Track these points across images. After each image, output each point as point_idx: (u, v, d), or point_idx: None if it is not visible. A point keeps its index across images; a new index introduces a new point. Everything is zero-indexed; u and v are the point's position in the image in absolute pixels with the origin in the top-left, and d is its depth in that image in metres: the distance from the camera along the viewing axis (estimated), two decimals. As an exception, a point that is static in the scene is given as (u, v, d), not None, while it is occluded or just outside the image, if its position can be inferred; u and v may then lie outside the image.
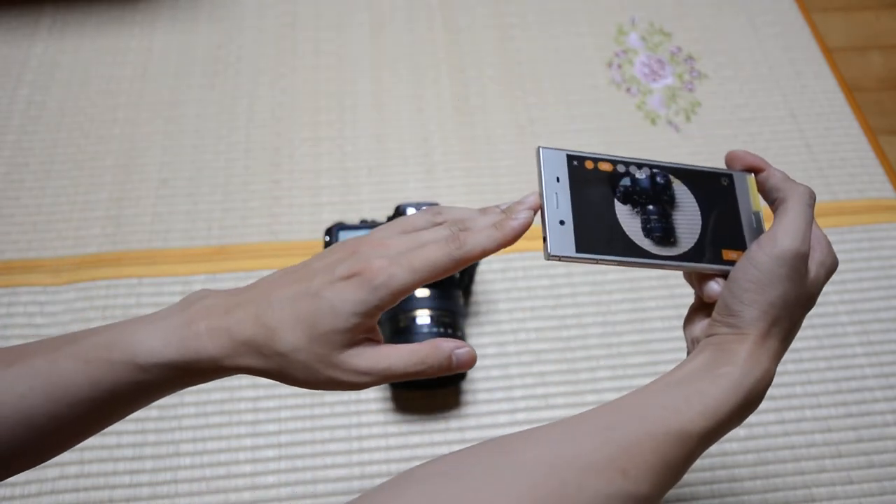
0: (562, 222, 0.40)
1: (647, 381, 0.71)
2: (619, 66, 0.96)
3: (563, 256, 0.39)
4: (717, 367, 0.39)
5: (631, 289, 0.77)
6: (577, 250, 0.39)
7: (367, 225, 0.71)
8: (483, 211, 0.42)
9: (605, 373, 0.72)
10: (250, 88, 0.93)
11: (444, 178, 0.85)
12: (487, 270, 0.78)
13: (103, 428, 0.39)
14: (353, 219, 0.81)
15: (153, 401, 0.39)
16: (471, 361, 0.39)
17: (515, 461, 0.35)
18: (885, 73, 0.99)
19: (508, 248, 0.80)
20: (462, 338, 0.68)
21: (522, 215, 0.39)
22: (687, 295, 0.77)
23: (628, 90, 0.94)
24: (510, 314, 0.76)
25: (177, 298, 0.75)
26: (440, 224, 0.40)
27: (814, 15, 1.03)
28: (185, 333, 0.37)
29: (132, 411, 0.39)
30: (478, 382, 0.71)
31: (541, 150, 0.41)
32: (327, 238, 0.70)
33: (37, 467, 0.41)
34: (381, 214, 0.80)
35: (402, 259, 0.37)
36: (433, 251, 0.38)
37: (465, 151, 0.88)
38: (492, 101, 0.92)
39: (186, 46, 0.96)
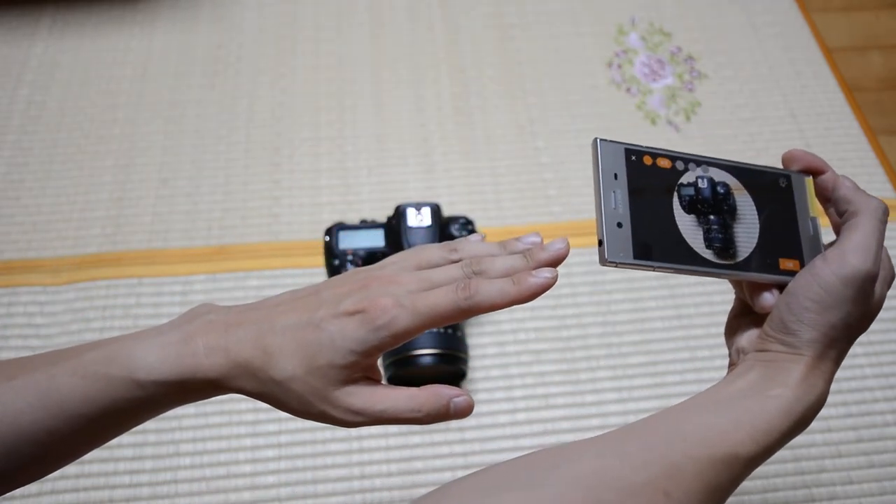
0: (619, 225, 0.37)
1: (648, 381, 0.71)
2: (619, 66, 0.96)
3: (619, 263, 0.37)
4: (768, 388, 0.37)
5: (631, 289, 0.77)
6: (636, 256, 0.37)
7: (366, 225, 0.71)
8: (504, 246, 0.39)
9: (605, 373, 0.72)
10: (250, 88, 0.93)
11: (444, 178, 0.85)
12: (487, 270, 0.78)
13: (105, 442, 0.38)
14: (353, 219, 0.81)
15: (153, 416, 0.38)
16: (468, 410, 0.38)
17: (553, 479, 0.34)
18: (885, 73, 0.99)
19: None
20: (462, 338, 0.68)
21: (546, 274, 0.36)
22: (687, 295, 0.77)
23: (628, 90, 0.94)
24: (510, 314, 0.75)
25: (177, 298, 0.75)
26: (456, 261, 0.39)
27: (814, 15, 1.03)
28: (183, 350, 0.36)
29: (133, 426, 0.39)
30: (478, 382, 0.71)
31: (598, 142, 0.38)
32: (327, 238, 0.70)
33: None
34: (381, 214, 0.80)
35: (407, 301, 0.36)
36: (440, 297, 0.36)
37: (465, 151, 0.88)
38: (492, 101, 0.92)
39: (186, 46, 0.96)
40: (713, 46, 0.98)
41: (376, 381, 0.38)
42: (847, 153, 0.89)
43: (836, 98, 0.93)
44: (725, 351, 0.73)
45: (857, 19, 1.04)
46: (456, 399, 0.38)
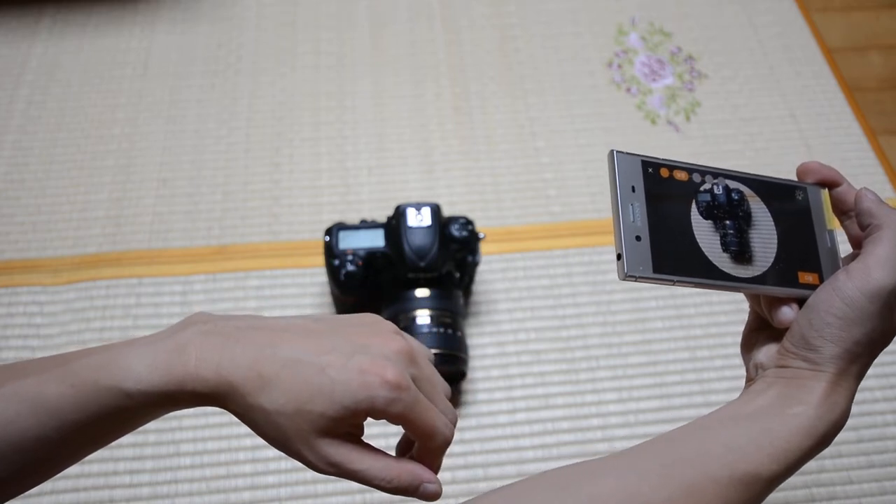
0: (638, 238, 0.37)
1: (648, 381, 0.71)
2: (619, 66, 0.96)
3: (639, 277, 0.36)
4: (789, 406, 0.37)
5: (631, 288, 0.77)
6: (655, 270, 0.36)
7: (366, 225, 0.71)
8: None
9: (605, 373, 0.72)
10: (250, 88, 0.93)
11: (444, 178, 0.85)
12: (487, 270, 0.78)
13: (96, 450, 0.38)
14: (353, 219, 0.81)
15: (145, 423, 0.38)
16: (434, 498, 0.38)
17: (573, 498, 0.33)
18: (885, 73, 0.99)
19: (508, 248, 0.80)
20: (462, 338, 0.67)
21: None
22: (687, 295, 0.77)
23: (628, 90, 0.94)
24: (510, 314, 0.75)
25: (177, 298, 0.75)
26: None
27: (814, 15, 1.03)
28: (174, 359, 0.35)
29: (125, 433, 0.38)
30: (478, 382, 0.71)
31: (615, 154, 0.38)
32: (327, 238, 0.70)
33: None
34: (381, 214, 0.80)
35: (414, 394, 0.36)
36: (439, 420, 0.37)
37: (465, 151, 0.88)
38: (492, 101, 0.92)
39: (186, 46, 0.96)
40: (713, 46, 0.98)
41: (358, 438, 0.38)
42: (847, 153, 0.89)
43: (836, 98, 0.93)
44: (725, 351, 0.73)
45: (857, 19, 1.04)
46: (427, 484, 0.38)
